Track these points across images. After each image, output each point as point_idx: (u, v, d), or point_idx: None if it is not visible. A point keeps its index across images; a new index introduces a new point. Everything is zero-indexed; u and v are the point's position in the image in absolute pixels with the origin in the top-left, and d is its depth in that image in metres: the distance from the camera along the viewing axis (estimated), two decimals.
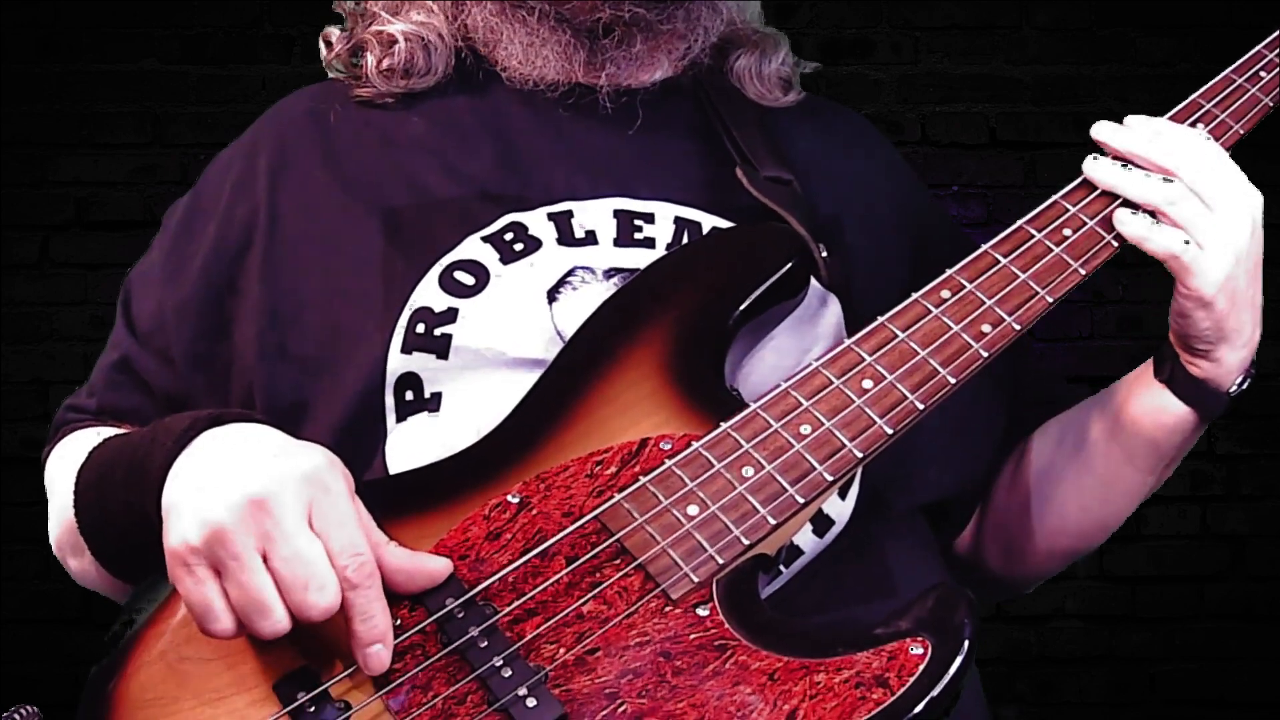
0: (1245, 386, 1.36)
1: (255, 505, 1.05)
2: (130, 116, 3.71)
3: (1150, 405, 1.38)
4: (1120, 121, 1.35)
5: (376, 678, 1.07)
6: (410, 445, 1.30)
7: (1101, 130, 1.33)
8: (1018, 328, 1.25)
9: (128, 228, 3.65)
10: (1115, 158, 1.33)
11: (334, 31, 1.53)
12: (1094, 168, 1.32)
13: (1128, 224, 1.29)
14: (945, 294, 1.26)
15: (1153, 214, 1.29)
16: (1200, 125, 1.37)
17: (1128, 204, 1.30)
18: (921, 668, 1.04)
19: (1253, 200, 1.30)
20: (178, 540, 1.07)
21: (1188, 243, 1.26)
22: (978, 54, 3.79)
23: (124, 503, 1.20)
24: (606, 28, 1.42)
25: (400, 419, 1.32)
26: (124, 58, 3.70)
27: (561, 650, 1.08)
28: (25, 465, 3.54)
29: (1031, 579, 1.58)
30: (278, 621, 1.04)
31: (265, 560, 1.05)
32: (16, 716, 1.05)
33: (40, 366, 3.66)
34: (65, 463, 1.39)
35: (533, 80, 1.44)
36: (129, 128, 3.71)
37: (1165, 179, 1.29)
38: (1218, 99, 1.39)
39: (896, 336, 1.24)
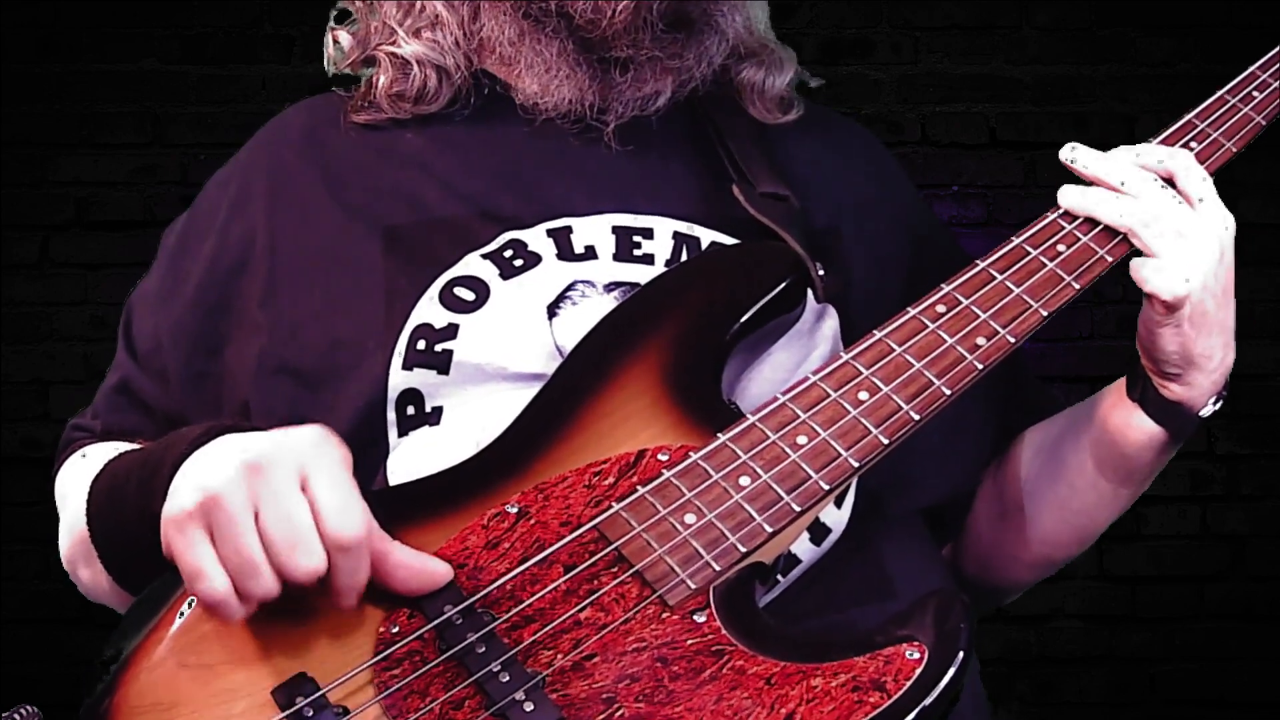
0: (1219, 406, 1.36)
1: (250, 468, 1.07)
2: (130, 116, 3.71)
3: (1122, 422, 1.39)
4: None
5: (375, 682, 1.07)
6: (412, 459, 1.31)
7: (1070, 154, 1.34)
8: (1012, 340, 1.26)
9: (128, 228, 3.66)
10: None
11: (343, 34, 1.51)
12: (1067, 196, 1.33)
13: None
14: (941, 309, 1.28)
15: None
16: (1194, 144, 1.37)
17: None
18: (918, 672, 1.04)
19: (1224, 225, 1.30)
20: (175, 509, 1.08)
21: (1160, 268, 1.27)
22: (978, 54, 3.79)
23: (136, 508, 1.21)
24: (623, 65, 1.42)
25: (402, 434, 1.33)
26: (124, 58, 3.71)
27: (559, 656, 1.09)
28: (25, 465, 3.57)
29: (1007, 587, 1.58)
30: (266, 581, 1.05)
31: (257, 521, 1.06)
32: (16, 716, 1.05)
33: (40, 366, 3.67)
34: (75, 476, 1.40)
35: (545, 110, 1.43)
36: (129, 128, 3.72)
37: (1137, 201, 1.29)
38: (1211, 119, 1.40)
39: (893, 350, 1.25)
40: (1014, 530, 1.51)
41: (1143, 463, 1.41)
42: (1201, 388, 1.33)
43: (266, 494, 1.06)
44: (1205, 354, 1.31)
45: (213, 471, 1.08)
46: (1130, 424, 1.38)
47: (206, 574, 1.06)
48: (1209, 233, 1.29)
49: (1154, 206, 1.29)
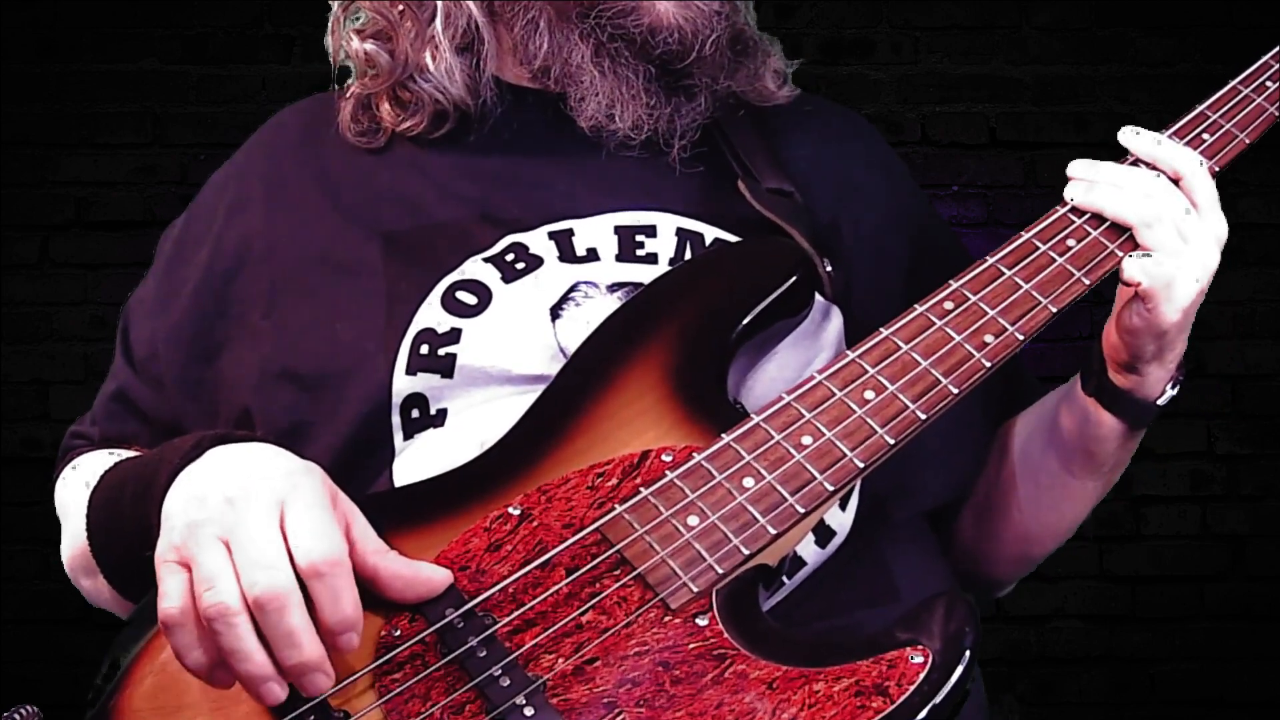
0: (1175, 392, 1.37)
1: (228, 502, 1.07)
2: (130, 116, 3.71)
3: (1080, 417, 1.40)
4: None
5: (376, 686, 1.07)
6: (418, 461, 1.30)
7: (1077, 168, 1.34)
8: (1020, 338, 1.25)
9: (128, 228, 3.66)
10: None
11: (380, 54, 1.44)
12: (1074, 191, 1.32)
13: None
14: (949, 305, 1.26)
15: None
16: (1206, 135, 1.37)
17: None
18: (921, 676, 1.03)
19: (1222, 231, 1.31)
20: (164, 544, 1.08)
21: (1148, 263, 1.27)
22: (978, 54, 3.78)
23: (133, 520, 1.21)
24: (688, 90, 1.41)
25: (408, 437, 1.33)
26: (124, 58, 3.70)
27: (560, 660, 1.08)
28: (25, 465, 3.57)
29: (993, 582, 1.58)
30: (220, 595, 1.02)
31: (229, 550, 1.05)
32: (16, 716, 1.05)
33: (40, 366, 3.66)
34: (75, 486, 1.40)
35: (614, 132, 1.40)
36: (129, 128, 3.71)
37: (1146, 195, 1.29)
38: (1224, 109, 1.39)
39: (899, 348, 1.23)
40: (990, 528, 1.51)
41: (1106, 455, 1.42)
42: (1156, 378, 1.34)
43: (237, 525, 1.05)
44: (1172, 349, 1.32)
45: (195, 509, 1.08)
46: (1090, 419, 1.39)
47: (168, 595, 1.05)
48: (1209, 237, 1.29)
49: (1158, 206, 1.28)
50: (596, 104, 1.40)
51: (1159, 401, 1.36)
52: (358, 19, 1.48)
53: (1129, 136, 1.34)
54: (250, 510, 1.06)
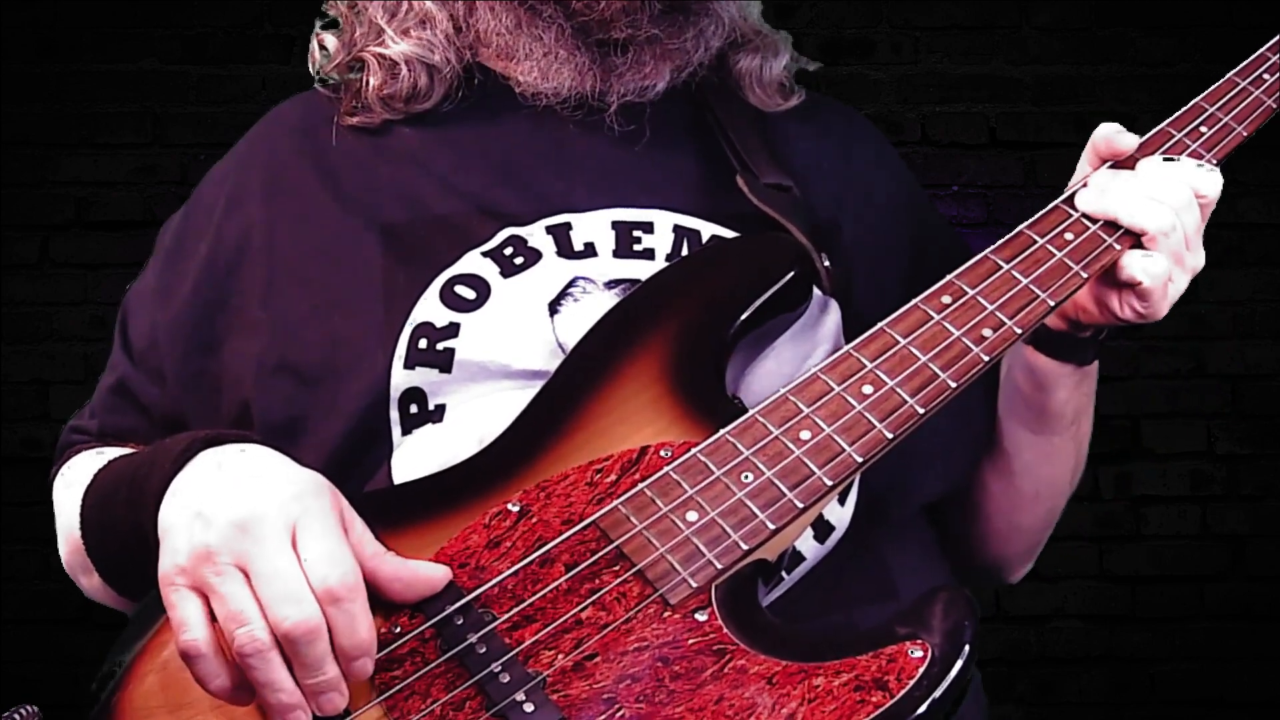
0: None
1: (238, 528, 1.06)
2: (130, 116, 3.72)
3: (1025, 369, 1.41)
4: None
5: (376, 683, 1.07)
6: (416, 457, 1.30)
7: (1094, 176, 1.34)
8: (1019, 331, 1.25)
9: (128, 228, 3.66)
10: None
11: (329, 37, 1.50)
12: (1086, 200, 1.31)
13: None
14: (946, 299, 1.26)
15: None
16: (1204, 128, 1.37)
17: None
18: (921, 670, 1.04)
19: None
20: (168, 564, 1.08)
21: (1151, 264, 1.27)
22: (978, 54, 3.79)
23: (126, 522, 1.21)
24: (621, 46, 1.42)
25: (406, 432, 1.32)
26: (124, 58, 3.71)
27: (560, 656, 1.08)
28: (25, 465, 3.58)
29: (990, 564, 1.58)
30: (255, 633, 1.03)
31: (248, 579, 1.05)
32: (16, 717, 1.05)
33: (40, 366, 3.67)
34: (71, 485, 1.39)
35: (546, 96, 1.43)
36: (129, 128, 3.72)
37: (1160, 204, 1.28)
38: (1221, 102, 1.39)
39: (897, 342, 1.23)
40: (975, 520, 1.52)
41: (1062, 404, 1.42)
42: (1086, 328, 1.36)
43: (254, 553, 1.05)
44: None
45: (203, 530, 1.07)
46: (1034, 368, 1.40)
47: (189, 625, 1.05)
48: (1200, 238, 1.30)
49: (1179, 218, 1.28)
50: (530, 67, 1.42)
51: (1099, 337, 1.37)
52: (330, 25, 1.52)
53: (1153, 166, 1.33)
54: (265, 538, 1.05)
